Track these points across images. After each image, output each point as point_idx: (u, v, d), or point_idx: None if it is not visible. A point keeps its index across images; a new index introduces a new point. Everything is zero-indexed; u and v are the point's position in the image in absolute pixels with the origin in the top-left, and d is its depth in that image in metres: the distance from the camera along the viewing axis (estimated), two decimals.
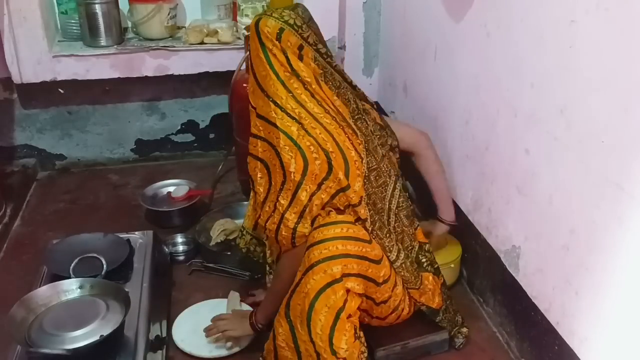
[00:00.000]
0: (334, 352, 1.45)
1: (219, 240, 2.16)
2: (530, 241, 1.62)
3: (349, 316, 1.47)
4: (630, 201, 1.21)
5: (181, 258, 2.13)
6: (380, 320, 1.64)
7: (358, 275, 1.47)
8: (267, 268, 1.80)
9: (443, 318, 1.73)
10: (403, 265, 1.63)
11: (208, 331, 1.73)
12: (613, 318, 1.31)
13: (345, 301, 1.45)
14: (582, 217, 1.38)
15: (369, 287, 1.52)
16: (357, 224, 1.53)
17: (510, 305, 1.76)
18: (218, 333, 1.71)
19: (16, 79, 2.48)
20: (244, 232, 1.94)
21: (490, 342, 1.80)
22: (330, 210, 1.54)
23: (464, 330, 1.76)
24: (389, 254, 1.61)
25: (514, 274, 1.71)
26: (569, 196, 1.42)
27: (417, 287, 1.66)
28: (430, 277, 1.73)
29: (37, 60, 2.45)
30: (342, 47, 2.69)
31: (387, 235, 1.63)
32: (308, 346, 1.48)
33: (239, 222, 2.15)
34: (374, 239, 1.57)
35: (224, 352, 1.71)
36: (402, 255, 1.65)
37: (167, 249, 2.09)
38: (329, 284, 1.44)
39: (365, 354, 1.52)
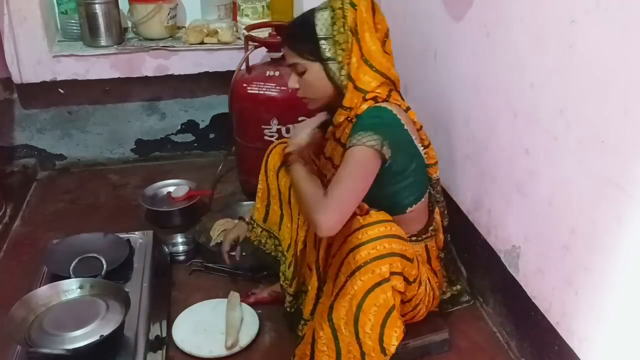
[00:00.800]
0: (383, 350, 1.47)
1: (219, 240, 2.16)
2: (530, 241, 1.62)
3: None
4: (630, 201, 1.21)
5: (181, 258, 2.13)
6: None
7: (401, 273, 1.49)
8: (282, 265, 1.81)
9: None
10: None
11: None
12: (613, 318, 1.31)
13: (394, 301, 1.46)
14: (582, 217, 1.38)
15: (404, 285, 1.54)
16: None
17: (510, 305, 1.76)
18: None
19: (16, 79, 2.48)
20: (255, 225, 1.93)
21: (491, 342, 1.80)
22: (369, 209, 1.54)
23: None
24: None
25: (514, 274, 1.71)
26: (569, 196, 1.42)
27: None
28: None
29: (37, 60, 2.45)
30: None
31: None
32: (352, 347, 1.48)
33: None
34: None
35: (224, 352, 1.71)
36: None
37: (167, 249, 2.09)
38: (377, 284, 1.44)
39: None
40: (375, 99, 1.57)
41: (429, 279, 1.69)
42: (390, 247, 1.46)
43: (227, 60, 2.56)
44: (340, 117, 1.60)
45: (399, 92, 1.68)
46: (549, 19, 1.44)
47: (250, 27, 2.38)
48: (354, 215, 1.51)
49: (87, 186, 2.66)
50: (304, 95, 1.65)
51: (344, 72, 1.57)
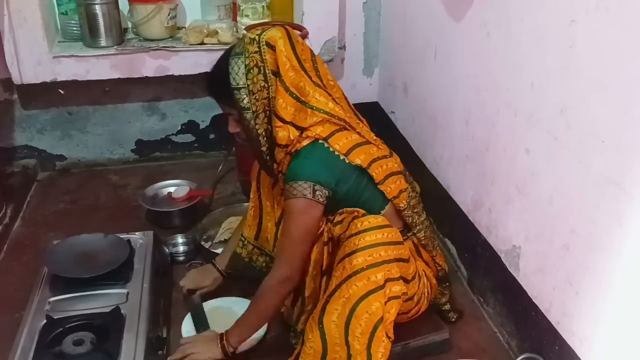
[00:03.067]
0: (369, 356, 1.47)
1: (222, 239, 2.17)
2: (531, 241, 1.62)
3: (387, 325, 1.49)
4: (630, 201, 1.21)
5: (181, 258, 2.13)
6: (402, 315, 1.65)
7: (399, 278, 1.49)
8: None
9: (448, 286, 1.82)
10: (425, 234, 1.71)
11: (173, 357, 1.64)
12: (613, 318, 1.31)
13: (384, 313, 1.46)
14: (582, 217, 1.38)
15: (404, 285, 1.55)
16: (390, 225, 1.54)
17: (511, 305, 1.76)
18: (183, 357, 1.61)
19: (16, 79, 2.47)
20: (245, 242, 1.91)
21: (491, 342, 1.80)
22: (364, 213, 1.54)
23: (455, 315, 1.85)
24: (418, 226, 1.69)
25: (514, 274, 1.71)
26: (569, 196, 1.42)
27: (434, 254, 1.74)
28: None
29: (37, 61, 2.45)
30: (342, 48, 2.69)
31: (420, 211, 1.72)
32: (340, 348, 1.48)
33: None
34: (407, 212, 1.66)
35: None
36: (424, 225, 1.73)
37: (167, 250, 2.09)
38: (372, 291, 1.44)
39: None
40: (315, 138, 1.55)
41: (424, 271, 1.71)
42: (387, 255, 1.46)
43: None
44: (279, 154, 1.59)
45: (352, 128, 1.61)
46: (548, 19, 1.44)
47: (251, 28, 2.37)
48: (352, 220, 1.52)
49: (87, 187, 2.66)
50: (244, 139, 1.64)
51: (258, 120, 1.56)
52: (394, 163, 1.68)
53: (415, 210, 1.70)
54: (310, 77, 1.57)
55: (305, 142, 1.55)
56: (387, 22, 2.63)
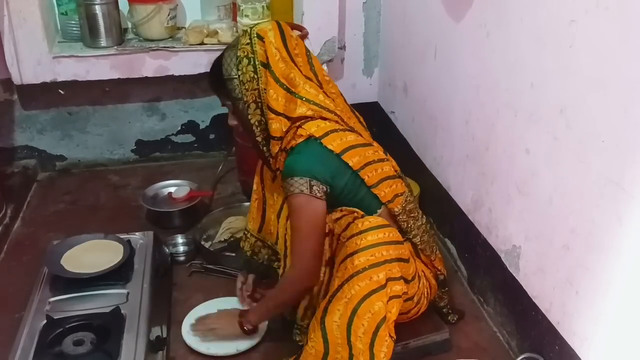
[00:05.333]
0: (372, 356, 1.47)
1: (222, 239, 2.17)
2: (531, 241, 1.62)
3: (390, 325, 1.49)
4: (630, 201, 1.21)
5: (182, 259, 2.13)
6: (402, 315, 1.64)
7: (400, 277, 1.49)
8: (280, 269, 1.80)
9: (447, 291, 1.82)
10: (421, 239, 1.71)
11: (195, 327, 1.76)
12: (614, 317, 1.31)
13: (386, 312, 1.46)
14: (583, 217, 1.38)
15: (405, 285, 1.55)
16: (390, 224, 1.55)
17: (511, 305, 1.76)
18: (206, 329, 1.74)
19: (16, 80, 2.48)
20: (248, 235, 1.93)
21: (491, 342, 1.80)
22: (363, 215, 1.55)
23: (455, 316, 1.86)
24: (414, 231, 1.69)
25: (514, 274, 1.71)
26: (569, 196, 1.42)
27: (433, 257, 1.74)
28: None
29: (37, 61, 2.45)
30: (342, 48, 2.69)
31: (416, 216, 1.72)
32: (342, 348, 1.48)
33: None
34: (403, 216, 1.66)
35: (226, 351, 1.71)
36: (421, 229, 1.72)
37: (167, 250, 2.09)
38: (374, 291, 1.44)
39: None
40: (309, 136, 1.57)
41: (424, 272, 1.71)
42: (388, 254, 1.47)
43: None
44: (274, 147, 1.62)
45: (343, 123, 1.63)
46: (548, 19, 1.44)
47: None
48: (352, 220, 1.52)
49: (87, 187, 2.66)
50: (242, 131, 1.67)
51: (250, 110, 1.59)
52: (390, 167, 1.68)
53: (412, 215, 1.70)
54: (301, 70, 1.60)
55: (299, 140, 1.58)
56: (387, 22, 2.63)
